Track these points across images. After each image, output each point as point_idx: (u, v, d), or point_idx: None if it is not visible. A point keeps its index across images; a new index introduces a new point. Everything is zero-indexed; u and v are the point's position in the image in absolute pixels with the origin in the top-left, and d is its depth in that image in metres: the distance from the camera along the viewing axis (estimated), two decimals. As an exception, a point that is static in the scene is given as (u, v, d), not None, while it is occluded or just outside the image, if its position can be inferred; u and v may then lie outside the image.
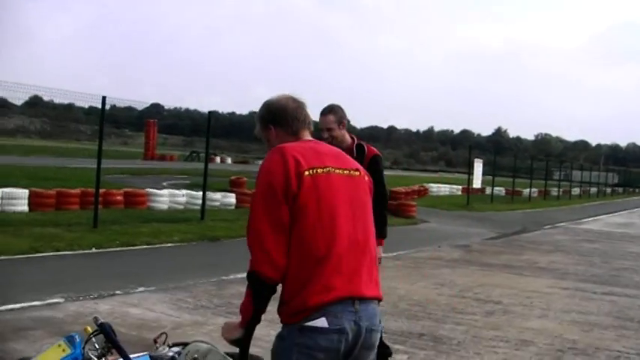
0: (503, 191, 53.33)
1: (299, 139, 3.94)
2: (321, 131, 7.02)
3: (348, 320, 3.62)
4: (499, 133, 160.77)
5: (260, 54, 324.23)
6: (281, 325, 3.75)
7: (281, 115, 3.95)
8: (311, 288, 3.60)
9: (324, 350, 3.60)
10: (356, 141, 7.28)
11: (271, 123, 3.98)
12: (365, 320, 3.70)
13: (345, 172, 3.90)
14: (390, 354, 7.51)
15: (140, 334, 8.45)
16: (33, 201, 21.12)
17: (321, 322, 3.58)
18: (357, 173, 3.98)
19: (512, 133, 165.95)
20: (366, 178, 4.05)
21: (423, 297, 12.02)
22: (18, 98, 26.95)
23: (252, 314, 3.80)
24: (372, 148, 7.34)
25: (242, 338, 3.93)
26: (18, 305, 9.73)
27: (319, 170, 3.74)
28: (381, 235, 6.98)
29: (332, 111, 7.12)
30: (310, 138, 4.03)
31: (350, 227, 3.75)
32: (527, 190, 55.26)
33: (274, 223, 3.64)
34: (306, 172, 3.66)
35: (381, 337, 6.89)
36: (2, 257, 13.72)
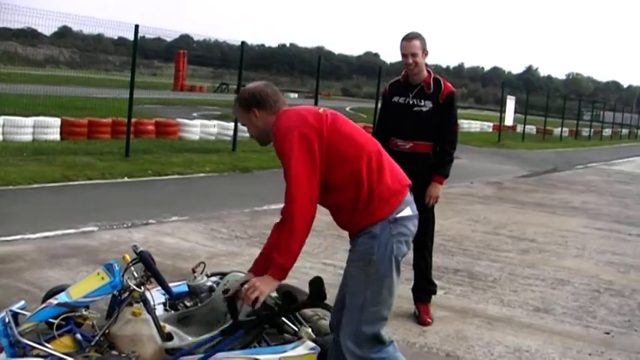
0: (535, 130, 52.95)
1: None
2: (404, 57, 6.93)
3: (415, 207, 4.44)
4: (530, 72, 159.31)
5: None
6: (358, 230, 4.35)
7: (264, 98, 4.49)
8: (387, 183, 4.29)
9: (412, 235, 4.39)
10: (432, 75, 7.07)
11: (254, 106, 4.49)
12: None
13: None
14: (434, 292, 7.45)
15: (175, 263, 8.44)
16: (65, 130, 21.15)
17: (407, 211, 4.32)
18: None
19: (543, 72, 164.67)
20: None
21: (458, 233, 11.94)
22: (48, 26, 26.77)
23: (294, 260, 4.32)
24: (448, 84, 7.12)
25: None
26: (52, 233, 9.73)
27: (322, 109, 4.47)
28: (442, 173, 7.14)
29: (418, 37, 6.97)
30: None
31: (371, 137, 4.56)
32: (559, 129, 54.75)
33: (313, 174, 4.22)
34: (320, 111, 4.40)
35: (428, 273, 7.25)
36: (35, 185, 13.74)
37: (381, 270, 4.22)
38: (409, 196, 4.41)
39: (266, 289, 4.29)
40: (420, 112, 6.98)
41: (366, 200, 4.25)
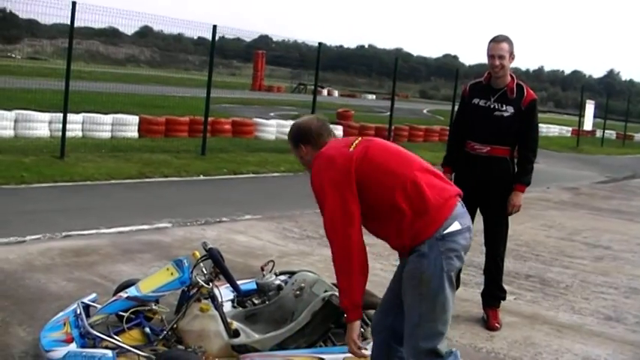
0: (614, 135, 51.96)
1: None
2: (490, 58, 6.81)
3: (467, 218, 4.39)
4: (611, 76, 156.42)
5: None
6: (409, 250, 4.29)
7: (308, 134, 4.62)
8: (429, 201, 4.22)
9: (463, 248, 4.30)
10: (515, 80, 6.94)
11: (301, 142, 4.64)
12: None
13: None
14: (503, 297, 7.36)
15: (246, 261, 8.49)
16: (143, 127, 21.45)
17: (455, 226, 4.24)
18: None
19: (625, 76, 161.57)
20: None
21: (531, 238, 11.78)
22: (130, 26, 27.16)
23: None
24: (531, 90, 7.00)
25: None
26: (127, 228, 9.87)
27: (355, 142, 4.44)
28: (524, 181, 7.06)
29: (507, 40, 6.87)
30: None
31: (403, 151, 4.52)
32: (639, 135, 53.66)
33: (348, 216, 4.23)
34: (350, 149, 4.36)
35: (499, 279, 7.22)
36: (112, 181, 13.97)
37: (433, 287, 4.20)
38: (458, 209, 4.32)
39: (354, 334, 4.33)
40: (501, 117, 6.86)
41: (410, 223, 4.23)
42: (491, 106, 6.90)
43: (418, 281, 4.25)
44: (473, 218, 6.68)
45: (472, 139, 7.05)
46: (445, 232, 4.21)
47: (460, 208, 4.35)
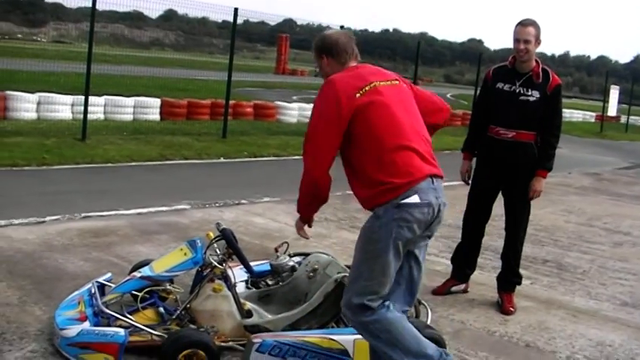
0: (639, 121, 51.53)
1: (346, 68, 4.71)
2: (516, 42, 6.73)
3: (432, 196, 4.43)
4: (637, 61, 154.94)
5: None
6: (369, 209, 4.56)
7: (333, 47, 4.75)
8: (397, 172, 4.38)
9: (417, 221, 4.39)
10: (540, 65, 6.86)
11: (324, 53, 4.78)
12: (441, 196, 4.53)
13: (388, 82, 4.66)
14: (519, 283, 7.37)
15: (262, 243, 8.54)
16: (164, 110, 21.50)
17: (414, 199, 4.36)
18: (396, 82, 4.74)
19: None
20: (404, 85, 4.82)
21: (550, 223, 11.76)
22: (154, 9, 27.22)
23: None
24: (556, 76, 6.91)
25: None
26: (146, 210, 9.93)
27: (367, 88, 4.50)
28: (545, 166, 6.99)
29: (534, 24, 6.77)
30: (356, 64, 4.81)
31: (408, 120, 4.57)
32: (665, 121, 53.15)
33: (327, 144, 4.51)
34: (357, 94, 4.45)
35: (515, 264, 7.22)
36: (133, 163, 14.04)
37: (377, 249, 4.39)
38: (422, 184, 4.41)
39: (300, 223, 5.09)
40: (526, 101, 6.79)
41: (374, 185, 4.45)
42: (517, 91, 6.84)
43: (367, 239, 4.49)
44: (492, 202, 7.27)
45: (496, 123, 6.98)
46: (402, 201, 4.35)
47: (427, 184, 4.43)
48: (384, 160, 4.41)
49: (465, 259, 7.47)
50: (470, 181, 7.36)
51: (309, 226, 5.06)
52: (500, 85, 6.95)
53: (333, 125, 4.44)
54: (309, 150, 4.57)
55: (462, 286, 7.52)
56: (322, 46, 4.78)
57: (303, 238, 5.19)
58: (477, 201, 7.24)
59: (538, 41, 6.76)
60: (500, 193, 7.21)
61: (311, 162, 4.57)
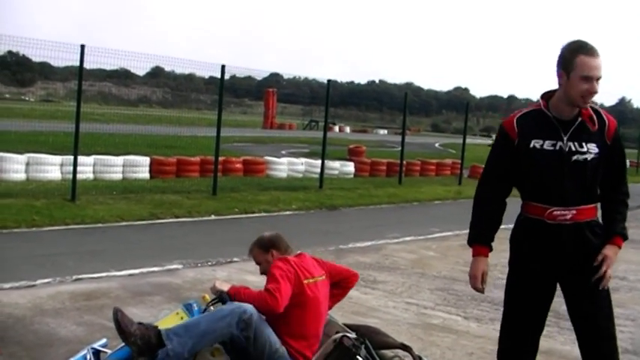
0: (628, 163, 51.55)
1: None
2: (586, 81, 4.56)
3: None
4: (622, 103, 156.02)
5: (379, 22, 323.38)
6: None
7: (278, 243, 5.96)
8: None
9: None
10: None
11: (272, 248, 5.88)
12: None
13: (319, 279, 5.60)
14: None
15: (257, 302, 8.42)
16: (154, 168, 21.50)
17: None
18: (322, 278, 5.66)
19: (637, 104, 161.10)
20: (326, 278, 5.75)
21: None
22: (141, 68, 27.32)
23: None
24: (610, 116, 4.80)
25: None
26: (137, 270, 9.84)
27: (311, 280, 5.50)
28: (617, 230, 4.87)
29: (599, 55, 4.65)
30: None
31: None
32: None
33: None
34: (305, 281, 5.45)
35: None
36: (124, 223, 13.97)
37: None
38: None
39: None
40: (584, 161, 4.68)
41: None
42: (566, 149, 4.68)
43: None
44: (546, 314, 5.10)
45: (544, 201, 4.76)
46: None
47: None
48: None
49: None
50: (483, 286, 4.99)
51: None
52: (537, 143, 4.73)
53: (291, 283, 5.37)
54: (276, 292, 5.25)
55: None
56: (268, 243, 5.96)
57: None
58: (527, 315, 4.99)
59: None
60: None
61: (278, 301, 5.21)
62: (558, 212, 4.69)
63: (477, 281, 4.90)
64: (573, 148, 4.66)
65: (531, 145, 4.72)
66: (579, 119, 4.69)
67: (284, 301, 5.19)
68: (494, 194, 4.94)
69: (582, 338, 4.96)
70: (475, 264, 4.94)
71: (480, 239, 4.95)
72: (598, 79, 4.58)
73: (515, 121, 4.82)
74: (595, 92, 4.58)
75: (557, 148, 4.67)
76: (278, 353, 5.15)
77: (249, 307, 5.08)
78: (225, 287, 5.41)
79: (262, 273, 5.79)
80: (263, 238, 5.96)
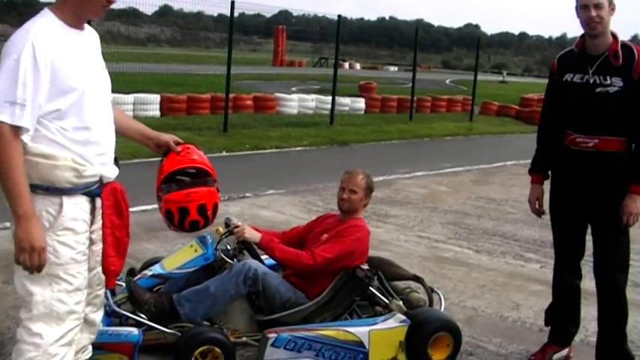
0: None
1: None
2: (583, 9, 4.87)
3: None
4: (635, 40, 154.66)
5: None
6: None
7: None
8: None
9: None
10: (619, 40, 4.96)
11: (370, 195, 5.88)
12: None
13: None
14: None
15: (270, 236, 8.47)
16: (164, 106, 21.42)
17: None
18: None
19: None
20: None
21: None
22: (150, 5, 27.12)
23: None
24: None
25: None
26: (150, 207, 9.84)
27: None
28: (635, 179, 4.99)
29: None
30: None
31: None
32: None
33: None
34: None
35: (619, 339, 5.50)
36: (136, 160, 13.95)
37: None
38: None
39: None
40: (605, 93, 4.90)
41: None
42: (591, 81, 4.98)
43: None
44: (584, 235, 5.45)
45: (572, 128, 5.14)
46: None
47: None
48: None
49: (564, 316, 5.79)
50: (544, 211, 5.54)
51: None
52: (569, 76, 5.13)
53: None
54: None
55: (565, 352, 5.75)
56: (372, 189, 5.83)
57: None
58: (564, 237, 5.49)
59: (612, 6, 4.94)
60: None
61: (315, 267, 5.31)
62: (581, 139, 5.04)
63: (532, 205, 5.52)
64: (597, 81, 4.94)
65: (564, 79, 5.14)
66: (605, 54, 4.95)
67: (320, 270, 5.29)
68: (547, 127, 5.40)
69: (597, 275, 5.46)
70: (530, 191, 5.56)
71: (536, 167, 5.52)
72: (596, 5, 4.84)
73: (556, 59, 5.33)
74: (591, 18, 4.86)
75: (584, 80, 5.01)
76: (290, 301, 5.21)
77: (253, 263, 5.14)
78: (256, 237, 5.35)
79: (342, 200, 5.87)
80: (373, 182, 5.89)
